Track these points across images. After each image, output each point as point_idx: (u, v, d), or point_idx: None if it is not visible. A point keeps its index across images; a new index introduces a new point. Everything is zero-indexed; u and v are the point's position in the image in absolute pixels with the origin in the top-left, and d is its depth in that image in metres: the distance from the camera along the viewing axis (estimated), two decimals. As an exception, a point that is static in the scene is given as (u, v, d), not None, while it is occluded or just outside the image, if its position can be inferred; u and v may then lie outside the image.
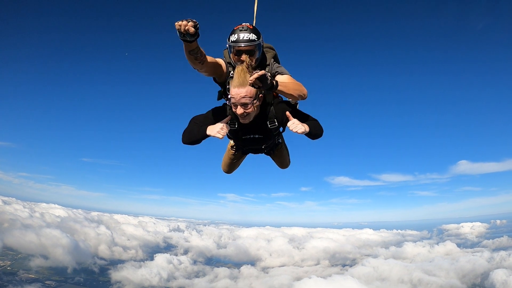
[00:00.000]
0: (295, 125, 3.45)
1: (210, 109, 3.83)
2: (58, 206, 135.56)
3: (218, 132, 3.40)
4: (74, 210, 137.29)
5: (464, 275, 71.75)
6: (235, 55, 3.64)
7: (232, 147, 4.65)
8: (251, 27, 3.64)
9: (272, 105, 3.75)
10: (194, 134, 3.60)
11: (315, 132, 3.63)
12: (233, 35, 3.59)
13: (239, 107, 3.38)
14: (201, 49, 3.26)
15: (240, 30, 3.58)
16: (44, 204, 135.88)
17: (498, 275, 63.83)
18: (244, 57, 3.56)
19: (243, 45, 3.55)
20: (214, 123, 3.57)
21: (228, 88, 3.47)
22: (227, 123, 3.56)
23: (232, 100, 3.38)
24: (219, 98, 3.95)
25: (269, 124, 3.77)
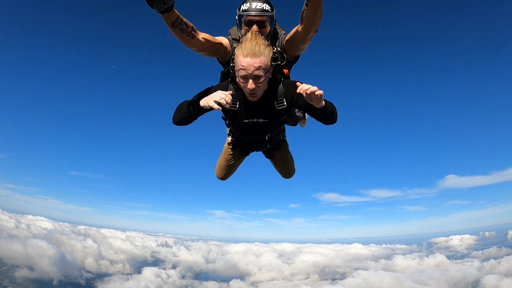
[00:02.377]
0: (306, 85, 2.71)
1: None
2: (45, 218, 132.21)
3: (215, 100, 2.75)
4: (61, 223, 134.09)
5: (455, 283, 72.63)
6: (245, 25, 3.22)
7: (229, 144, 4.07)
8: None
9: (281, 83, 3.18)
10: (184, 110, 3.10)
11: (331, 109, 3.00)
12: (244, 3, 3.22)
13: (250, 81, 2.78)
14: (186, 20, 2.92)
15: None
16: (31, 216, 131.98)
17: (489, 281, 64.64)
18: (254, 27, 3.17)
19: (253, 14, 3.16)
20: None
21: (233, 59, 2.99)
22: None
23: (242, 73, 2.78)
24: (222, 80, 3.43)
25: (277, 104, 3.14)
